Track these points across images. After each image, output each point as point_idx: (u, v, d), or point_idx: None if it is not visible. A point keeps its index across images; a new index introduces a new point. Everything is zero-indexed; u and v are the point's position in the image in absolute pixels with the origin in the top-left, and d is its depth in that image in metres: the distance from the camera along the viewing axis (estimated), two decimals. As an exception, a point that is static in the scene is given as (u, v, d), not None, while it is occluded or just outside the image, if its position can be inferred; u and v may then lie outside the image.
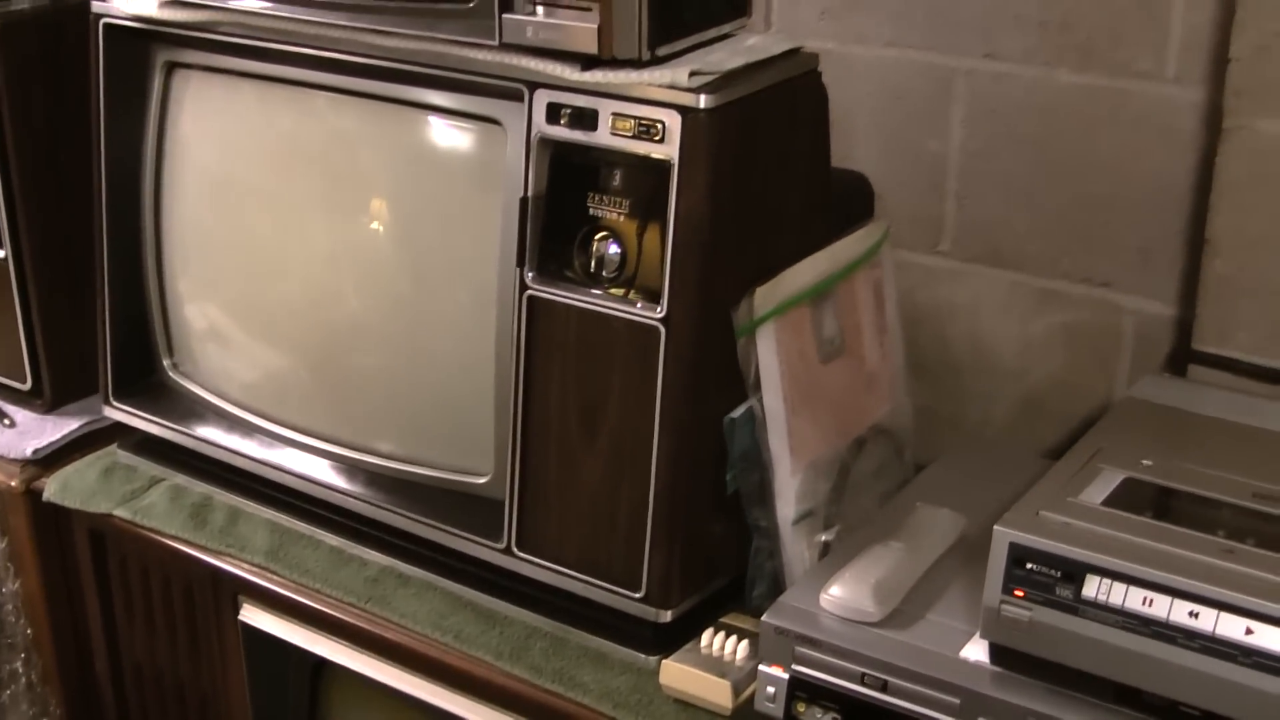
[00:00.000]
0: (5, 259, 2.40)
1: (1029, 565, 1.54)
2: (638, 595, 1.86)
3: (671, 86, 1.72)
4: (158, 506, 2.27)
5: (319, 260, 2.14)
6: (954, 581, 1.78)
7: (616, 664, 1.91)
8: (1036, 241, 2.25)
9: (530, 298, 1.85)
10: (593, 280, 1.81)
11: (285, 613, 2.13)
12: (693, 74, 1.73)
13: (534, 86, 1.80)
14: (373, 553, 2.12)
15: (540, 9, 1.76)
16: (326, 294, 2.14)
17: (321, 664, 2.12)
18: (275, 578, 2.13)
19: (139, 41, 2.19)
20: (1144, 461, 1.71)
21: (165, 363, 2.34)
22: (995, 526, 1.56)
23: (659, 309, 1.76)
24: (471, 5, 1.80)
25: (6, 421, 2.48)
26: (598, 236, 1.80)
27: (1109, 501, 1.62)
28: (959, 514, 1.89)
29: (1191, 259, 2.08)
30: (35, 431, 2.44)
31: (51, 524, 2.38)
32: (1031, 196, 2.23)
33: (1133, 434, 1.81)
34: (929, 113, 2.29)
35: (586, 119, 1.77)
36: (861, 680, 1.66)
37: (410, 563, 2.09)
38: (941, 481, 2.03)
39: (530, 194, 1.82)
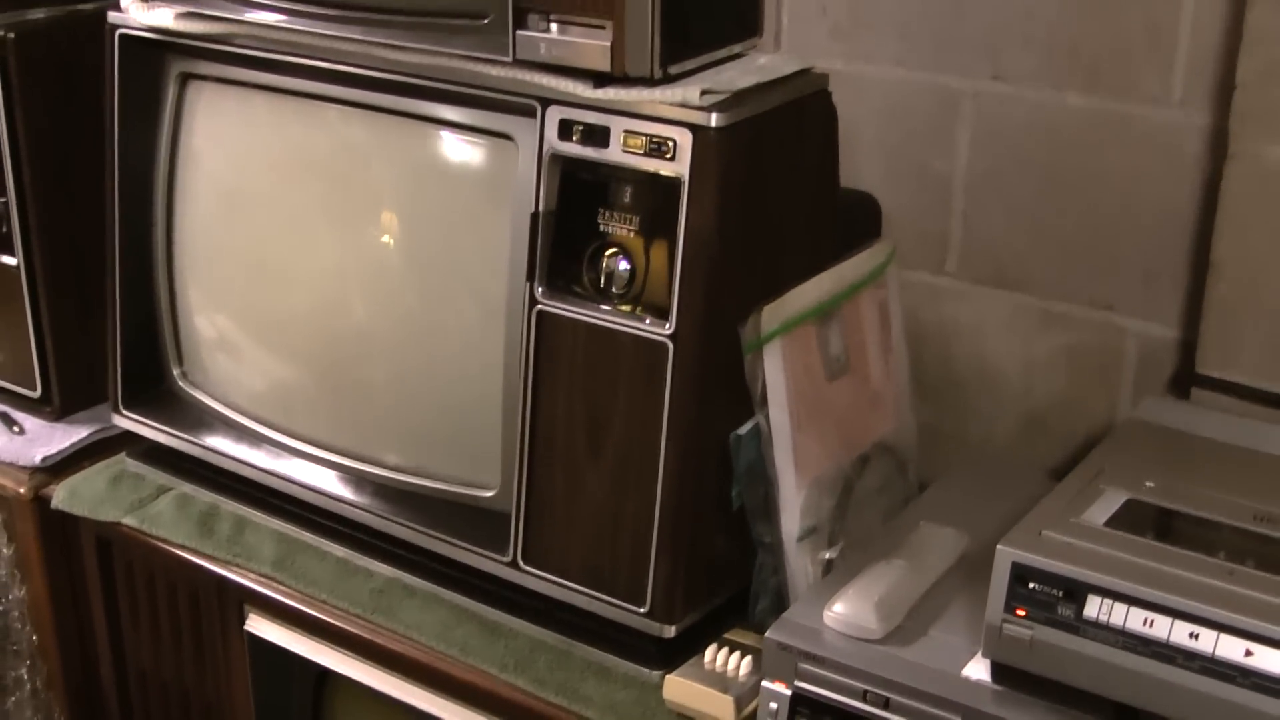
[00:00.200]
0: (17, 266, 2.41)
1: (1031, 584, 1.55)
2: (642, 610, 1.87)
3: (683, 105, 1.73)
4: (165, 515, 2.28)
5: (329, 272, 2.15)
6: (956, 599, 1.79)
7: (620, 678, 1.91)
8: (1041, 263, 2.26)
9: (539, 312, 1.86)
10: (602, 296, 1.82)
11: (291, 622, 2.14)
12: (704, 92, 1.74)
13: (546, 103, 1.81)
14: (379, 564, 2.13)
15: (554, 26, 1.78)
16: (336, 306, 2.15)
17: (326, 674, 2.13)
18: (281, 587, 2.14)
19: (154, 52, 2.20)
20: (1146, 483, 1.72)
21: (174, 372, 2.35)
22: (998, 545, 1.57)
23: (667, 325, 1.77)
24: (485, 21, 1.82)
25: (16, 429, 2.49)
26: (607, 252, 1.81)
27: (1111, 522, 1.63)
28: (962, 532, 1.90)
29: (1195, 282, 2.09)
30: (44, 439, 2.45)
31: (59, 531, 2.38)
32: (1037, 218, 2.24)
33: (1135, 455, 1.82)
34: (936, 133, 2.31)
35: (598, 136, 1.79)
36: (864, 697, 1.67)
37: (416, 574, 2.10)
38: (945, 500, 2.04)
39: (541, 209, 1.84)
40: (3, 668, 2.51)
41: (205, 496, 2.30)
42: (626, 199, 1.79)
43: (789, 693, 1.72)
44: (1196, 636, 1.47)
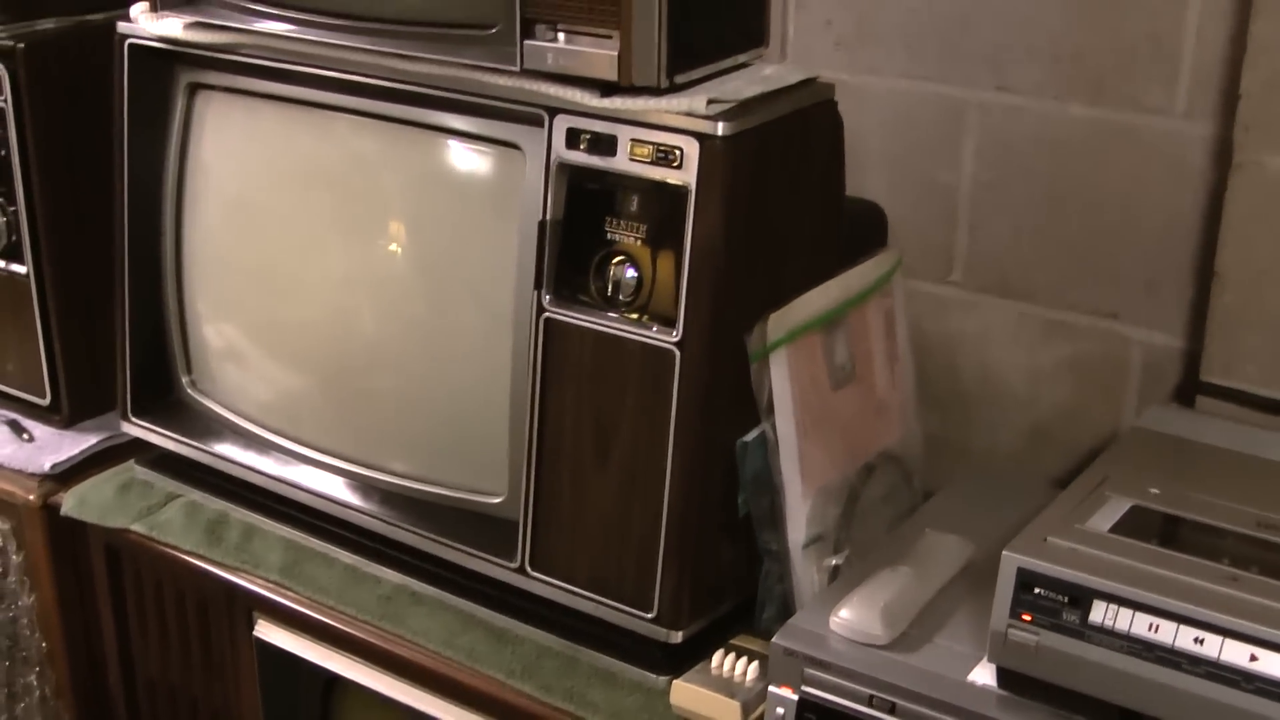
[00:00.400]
0: (26, 275, 2.42)
1: (1036, 590, 1.55)
2: (649, 616, 1.87)
3: (689, 114, 1.74)
4: (174, 522, 2.28)
5: (337, 281, 2.16)
6: (962, 606, 1.79)
7: (627, 684, 1.92)
8: (1046, 272, 2.26)
9: (547, 320, 1.87)
10: (609, 304, 1.83)
11: (299, 629, 2.15)
12: (710, 101, 1.75)
13: (554, 112, 1.82)
14: (387, 570, 2.14)
15: (561, 36, 1.79)
16: (344, 314, 2.16)
17: (334, 680, 2.14)
18: (289, 594, 2.14)
19: (163, 62, 2.21)
20: (1151, 490, 1.72)
21: (183, 380, 2.35)
22: (1004, 551, 1.58)
23: (674, 333, 1.78)
24: (493, 31, 1.83)
25: (25, 436, 2.50)
26: (614, 260, 1.82)
27: (1116, 528, 1.64)
28: (967, 540, 1.91)
29: (1200, 291, 2.10)
30: (53, 446, 2.46)
31: (68, 538, 2.39)
32: (1041, 228, 2.25)
33: (1140, 463, 1.82)
34: (941, 144, 2.31)
35: (605, 144, 1.80)
36: (870, 702, 1.67)
37: (424, 581, 2.10)
38: (950, 508, 2.05)
39: (548, 218, 1.85)
40: (12, 675, 2.52)
41: (214, 504, 2.31)
42: (633, 207, 1.80)
43: (795, 698, 1.72)
44: (1201, 642, 1.47)
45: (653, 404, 1.81)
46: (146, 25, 2.17)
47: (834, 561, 1.94)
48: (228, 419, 2.31)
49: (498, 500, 2.01)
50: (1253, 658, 1.45)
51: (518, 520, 1.95)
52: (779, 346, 1.85)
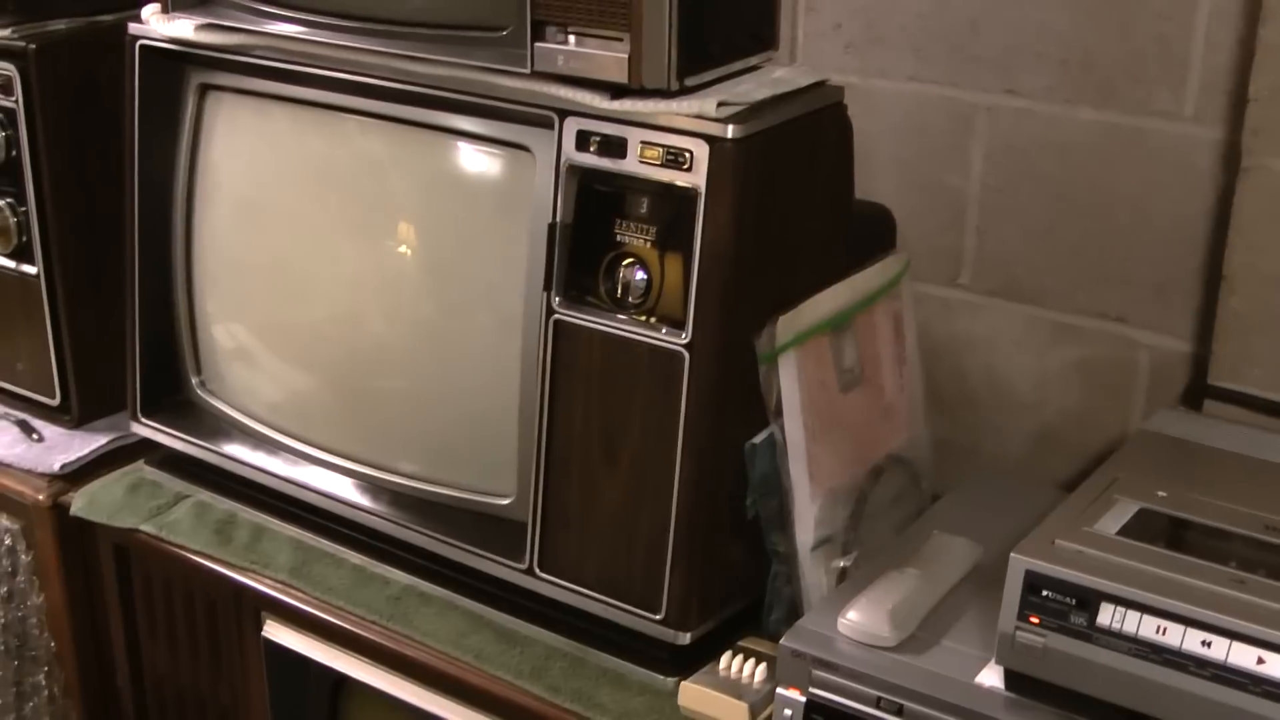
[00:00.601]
0: (37, 275, 2.43)
1: (1044, 592, 1.55)
2: (657, 617, 1.88)
3: (699, 116, 1.75)
4: (183, 522, 2.29)
5: (347, 282, 2.16)
6: (969, 608, 1.79)
7: (635, 685, 1.92)
8: (1054, 276, 2.27)
9: (556, 322, 1.87)
10: (618, 306, 1.83)
11: (307, 629, 2.15)
12: (721, 104, 1.75)
13: (564, 114, 1.83)
14: (395, 571, 2.14)
15: (571, 38, 1.79)
16: (354, 315, 2.16)
17: (342, 681, 2.14)
18: (298, 594, 2.15)
19: (174, 63, 2.22)
20: (1159, 493, 1.72)
21: (193, 380, 2.36)
22: (1011, 554, 1.58)
23: (683, 335, 1.78)
24: (504, 34, 1.83)
25: (34, 436, 2.50)
26: (624, 263, 1.82)
27: (1124, 531, 1.64)
28: (975, 542, 1.91)
29: (1208, 295, 2.10)
30: (63, 447, 2.47)
31: (77, 538, 2.39)
32: (1050, 232, 2.25)
33: (1148, 466, 1.82)
34: (950, 147, 2.32)
35: (615, 147, 1.80)
36: (877, 704, 1.68)
37: (432, 582, 2.11)
38: (958, 510, 2.05)
39: (558, 220, 1.85)
40: (21, 674, 2.52)
41: (223, 504, 2.32)
42: (643, 210, 1.81)
43: (803, 700, 1.72)
44: (1208, 644, 1.47)
45: (661, 406, 1.81)
46: (157, 26, 2.17)
47: (842, 563, 1.94)
48: (237, 419, 2.32)
49: (506, 501, 2.01)
50: (1260, 660, 1.45)
51: (526, 521, 1.96)
52: (788, 349, 1.85)
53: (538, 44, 1.81)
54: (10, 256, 2.44)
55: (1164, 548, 1.60)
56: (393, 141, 2.07)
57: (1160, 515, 1.69)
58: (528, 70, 1.83)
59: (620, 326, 1.83)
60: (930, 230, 2.35)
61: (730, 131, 1.73)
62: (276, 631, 2.19)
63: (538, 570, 1.96)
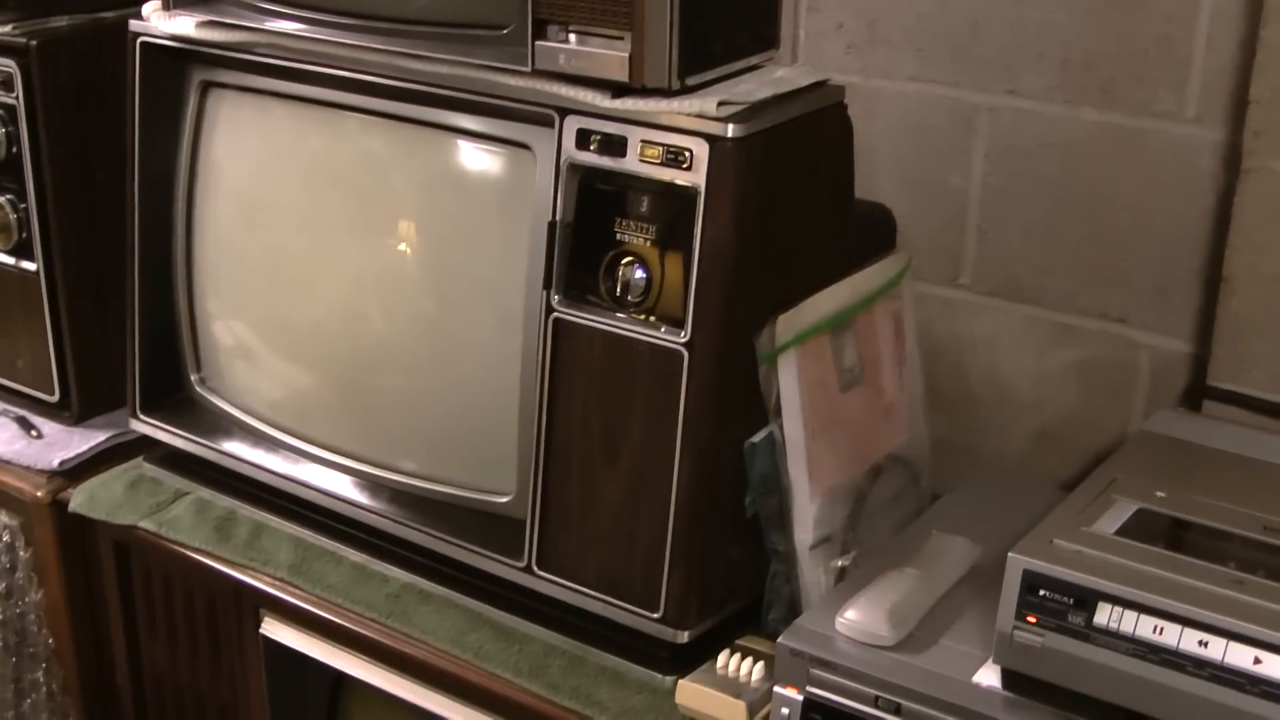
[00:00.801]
0: (37, 272, 2.43)
1: (1042, 592, 1.56)
2: (656, 615, 1.88)
3: (700, 115, 1.75)
4: (182, 520, 2.29)
5: (347, 280, 2.16)
6: (968, 607, 1.80)
7: (633, 683, 1.92)
8: (1055, 276, 2.27)
9: (556, 320, 1.87)
10: (618, 304, 1.83)
11: (306, 627, 2.15)
12: (721, 104, 1.75)
13: (564, 113, 1.83)
14: (395, 569, 2.14)
15: (572, 37, 1.79)
16: (354, 313, 2.16)
17: (341, 678, 2.14)
18: (297, 592, 2.15)
19: (175, 61, 2.22)
20: (1157, 493, 1.72)
21: (193, 378, 2.36)
22: (1009, 553, 1.58)
23: (682, 334, 1.78)
24: (505, 32, 1.83)
25: (34, 433, 2.50)
26: (624, 261, 1.82)
27: (1122, 531, 1.64)
28: (974, 542, 1.91)
29: (1208, 296, 2.10)
30: (62, 443, 2.47)
31: (76, 535, 2.39)
32: (1051, 232, 2.25)
33: (1147, 466, 1.83)
34: (951, 148, 2.32)
35: (615, 145, 1.80)
36: (875, 703, 1.68)
37: (431, 580, 2.11)
38: (957, 510, 2.05)
39: (559, 218, 1.85)
40: (19, 671, 2.52)
41: (222, 501, 2.32)
42: (643, 208, 1.81)
43: (801, 698, 1.73)
44: (1206, 644, 1.47)
45: (661, 405, 1.81)
46: (159, 23, 2.17)
47: (841, 563, 1.94)
48: (237, 417, 2.32)
49: (506, 499, 2.02)
50: (1257, 660, 1.45)
51: (526, 519, 1.96)
52: (788, 348, 1.85)
53: (539, 42, 1.81)
54: (10, 253, 2.45)
55: (1162, 548, 1.61)
56: (393, 139, 2.07)
57: (1159, 515, 1.69)
58: (529, 68, 1.83)
59: (620, 325, 1.83)
60: (931, 230, 2.35)
61: (731, 131, 1.73)
62: (276, 629, 2.19)
63: (537, 568, 1.96)
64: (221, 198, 2.26)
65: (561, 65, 1.81)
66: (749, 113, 1.77)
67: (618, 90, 1.79)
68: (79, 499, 2.35)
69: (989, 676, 1.65)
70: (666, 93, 1.77)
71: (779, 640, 1.75)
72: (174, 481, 2.37)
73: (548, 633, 2.00)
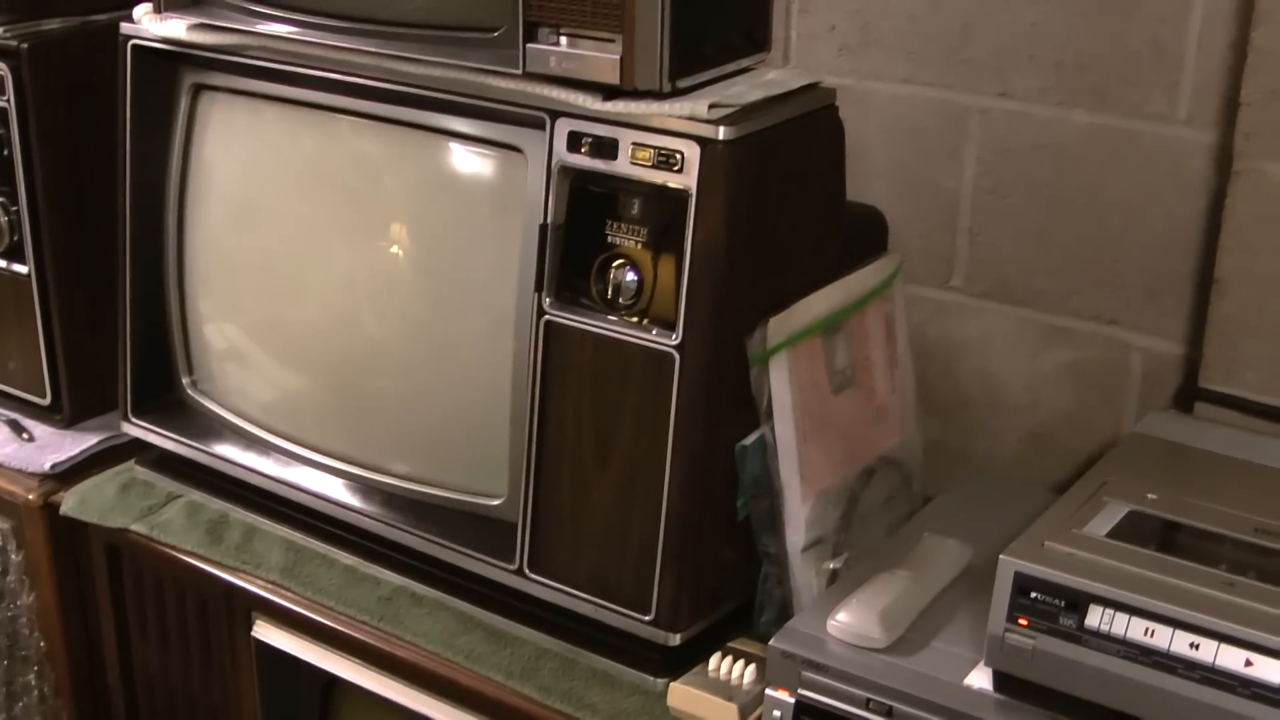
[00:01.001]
0: (28, 275, 2.42)
1: (1033, 594, 1.56)
2: (647, 618, 1.88)
3: (691, 118, 1.75)
4: (174, 522, 2.28)
5: (339, 283, 2.16)
6: (959, 610, 1.80)
7: (625, 685, 1.92)
8: (1047, 279, 2.27)
9: (547, 323, 1.87)
10: (609, 307, 1.83)
11: (298, 630, 2.15)
12: (712, 106, 1.75)
13: (556, 115, 1.83)
14: (386, 572, 2.14)
15: (564, 39, 1.79)
16: (346, 316, 2.16)
17: (333, 681, 2.14)
18: (289, 595, 2.15)
19: (167, 63, 2.21)
20: (1149, 495, 1.72)
21: (184, 380, 2.36)
22: (1001, 555, 1.58)
23: (674, 336, 1.78)
24: (496, 34, 1.83)
25: (25, 436, 2.50)
26: (615, 264, 1.82)
27: (1113, 534, 1.64)
28: (966, 544, 1.91)
29: (1200, 298, 2.11)
30: (54, 446, 2.46)
31: (68, 538, 2.39)
32: (1043, 234, 2.25)
33: (1139, 468, 1.83)
34: (943, 150, 2.32)
35: (607, 148, 1.80)
36: (867, 705, 1.68)
37: (423, 582, 2.11)
38: (949, 512, 2.05)
39: (550, 221, 1.85)
40: (11, 674, 2.52)
41: (214, 504, 2.32)
42: (634, 211, 1.81)
43: (792, 701, 1.73)
44: (1197, 647, 1.48)
45: (652, 407, 1.81)
46: (150, 26, 2.17)
47: (833, 565, 1.94)
48: (228, 420, 2.32)
49: (497, 502, 2.01)
50: (1248, 663, 1.45)
51: (517, 522, 1.96)
52: (779, 350, 1.85)
53: (530, 45, 1.81)
54: (2, 256, 2.44)
55: (1154, 550, 1.61)
56: (385, 142, 2.07)
57: (1150, 518, 1.69)
58: (520, 71, 1.83)
59: (611, 328, 1.83)
60: (923, 232, 2.35)
61: (722, 133, 1.73)
62: (267, 632, 2.19)
63: (528, 571, 1.96)
64: (213, 200, 2.25)
65: (552, 68, 1.80)
66: (740, 115, 1.77)
67: (609, 93, 1.79)
68: (70, 502, 2.35)
69: (980, 679, 1.66)
70: (658, 95, 1.77)
71: (770, 643, 1.75)
72: (166, 484, 2.37)
73: (539, 635, 2.00)
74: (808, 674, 1.71)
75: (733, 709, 1.80)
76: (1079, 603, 1.53)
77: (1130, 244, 2.18)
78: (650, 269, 1.80)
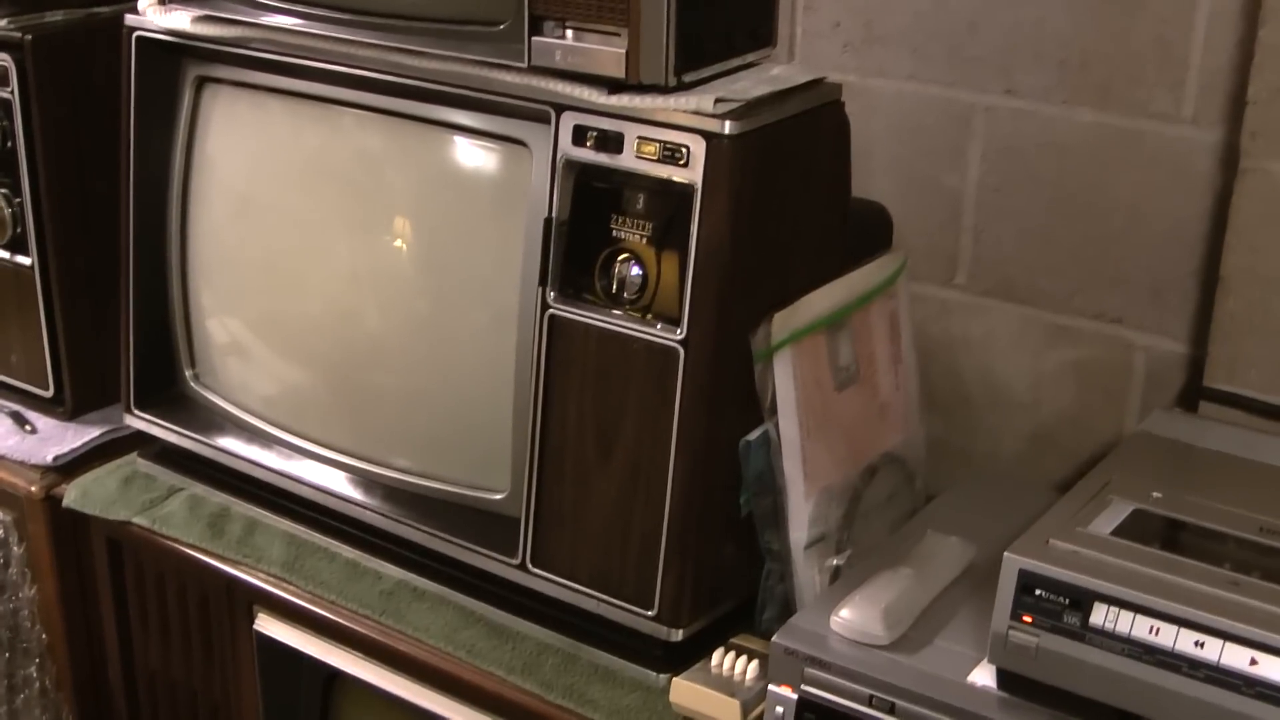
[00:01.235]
0: (31, 267, 2.42)
1: (1037, 592, 1.55)
2: (650, 614, 1.88)
3: (697, 112, 1.74)
4: (176, 515, 2.28)
5: (342, 276, 2.16)
6: (963, 608, 1.79)
7: (627, 681, 1.92)
8: (1051, 277, 2.26)
9: (551, 317, 1.87)
10: (613, 301, 1.83)
11: (300, 623, 2.15)
12: (718, 101, 1.75)
13: (561, 109, 1.83)
14: (388, 566, 2.14)
15: (569, 33, 1.79)
16: (349, 310, 2.16)
17: (334, 675, 2.14)
18: (291, 588, 2.15)
19: (171, 55, 2.21)
20: (1153, 494, 1.72)
21: (187, 373, 2.36)
22: (1005, 553, 1.58)
23: (678, 331, 1.78)
24: (501, 28, 1.83)
25: (28, 428, 2.50)
26: (619, 258, 1.82)
27: (1118, 532, 1.64)
28: (969, 542, 1.90)
29: (1204, 297, 2.10)
30: (56, 438, 2.46)
31: (70, 531, 2.39)
32: (1047, 232, 2.25)
33: (1143, 467, 1.83)
34: (948, 147, 2.31)
35: (612, 142, 1.80)
36: (869, 702, 1.67)
37: (425, 577, 2.10)
38: (952, 510, 2.05)
39: (554, 215, 1.85)
40: (12, 666, 2.52)
41: (216, 497, 2.31)
42: (639, 205, 1.80)
43: (795, 697, 1.72)
44: (1201, 645, 1.47)
45: (656, 402, 1.81)
46: (154, 18, 2.17)
47: (835, 562, 1.94)
48: (231, 413, 2.32)
49: (500, 497, 2.01)
50: (1253, 661, 1.45)
51: (520, 517, 1.96)
52: (783, 347, 1.85)
53: (535, 38, 1.81)
54: (5, 248, 2.44)
55: (1158, 549, 1.61)
56: (389, 135, 2.06)
57: (1155, 516, 1.69)
58: (525, 65, 1.83)
59: (616, 322, 1.83)
60: (927, 230, 2.35)
61: (727, 128, 1.73)
62: (269, 625, 2.19)
63: (531, 566, 1.96)
64: (216, 193, 2.25)
65: (558, 61, 1.80)
66: (746, 110, 1.77)
67: (614, 87, 1.79)
68: (72, 494, 2.35)
69: (984, 676, 1.65)
70: (663, 89, 1.77)
71: (773, 639, 1.75)
72: (168, 477, 2.37)
73: (541, 630, 2.00)
74: (810, 670, 1.71)
75: (735, 705, 1.80)
76: (1083, 601, 1.53)
77: (1134, 243, 2.18)
78: (654, 264, 1.80)
